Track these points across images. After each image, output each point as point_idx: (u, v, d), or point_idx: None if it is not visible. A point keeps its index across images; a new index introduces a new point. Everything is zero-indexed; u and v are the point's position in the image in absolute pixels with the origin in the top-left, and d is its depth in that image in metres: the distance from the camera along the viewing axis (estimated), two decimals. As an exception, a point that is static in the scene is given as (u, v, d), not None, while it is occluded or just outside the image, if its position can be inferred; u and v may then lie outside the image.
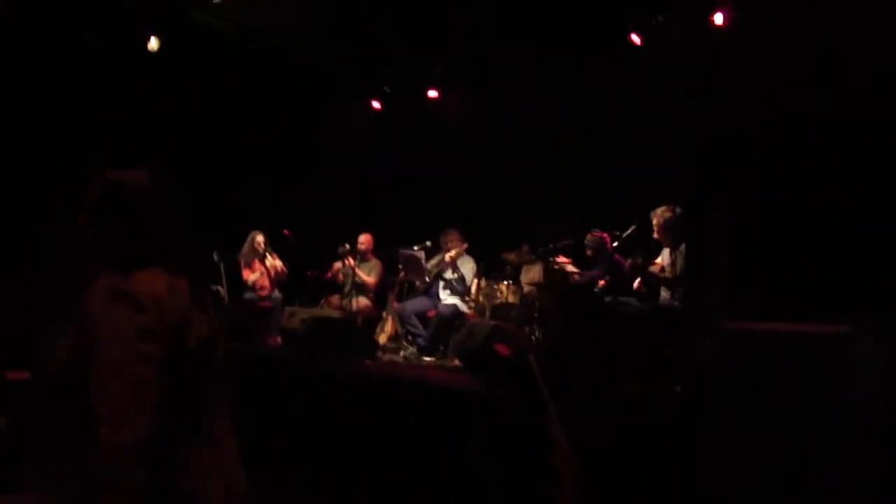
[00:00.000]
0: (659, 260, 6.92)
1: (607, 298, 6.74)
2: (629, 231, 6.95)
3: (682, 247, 6.50)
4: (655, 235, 6.77)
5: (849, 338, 3.79)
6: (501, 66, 9.15)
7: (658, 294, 6.68)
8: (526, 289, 8.44)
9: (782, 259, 6.13)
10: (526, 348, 5.06)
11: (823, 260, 5.84)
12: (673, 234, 6.64)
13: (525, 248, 8.45)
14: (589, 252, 7.61)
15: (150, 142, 8.28)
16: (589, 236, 7.53)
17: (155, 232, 2.22)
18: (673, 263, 6.54)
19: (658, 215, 6.72)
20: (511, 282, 8.57)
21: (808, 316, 4.13)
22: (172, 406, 2.01)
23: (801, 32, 6.23)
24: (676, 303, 6.28)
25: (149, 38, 8.91)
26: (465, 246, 8.85)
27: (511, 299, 8.48)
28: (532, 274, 8.50)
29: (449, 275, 8.83)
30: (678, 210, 6.57)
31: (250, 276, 9.38)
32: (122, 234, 2.19)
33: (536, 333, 7.24)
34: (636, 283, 6.82)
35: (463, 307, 8.59)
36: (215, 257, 9.24)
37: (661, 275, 6.64)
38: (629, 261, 6.83)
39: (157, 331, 2.03)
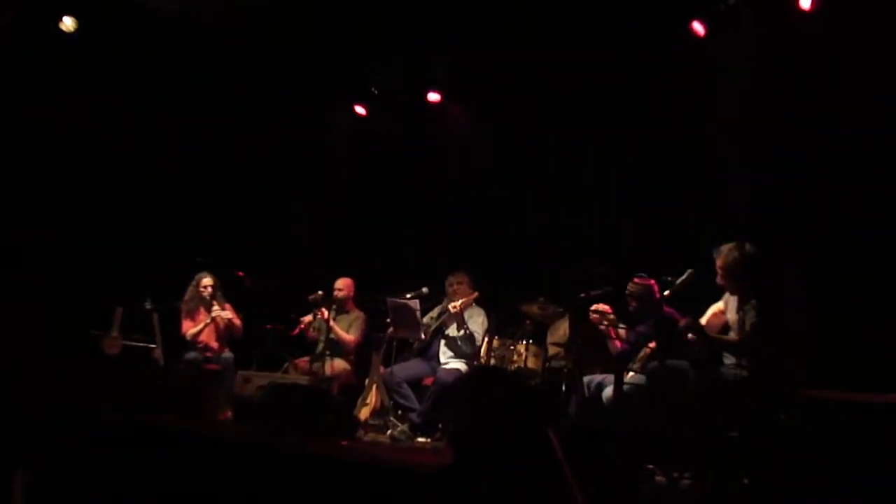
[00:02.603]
0: (720, 306, 6.91)
1: (652, 363, 6.73)
2: (684, 277, 6.86)
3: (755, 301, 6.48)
4: (719, 280, 6.75)
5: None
6: (524, 63, 9.23)
7: (719, 359, 6.64)
8: (552, 351, 8.42)
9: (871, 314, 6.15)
10: (546, 420, 5.05)
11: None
12: (742, 279, 6.61)
13: (542, 299, 8.47)
14: (632, 304, 7.54)
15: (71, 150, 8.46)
16: (632, 283, 7.46)
17: None
18: (741, 320, 6.53)
19: (724, 255, 6.69)
20: (532, 341, 8.56)
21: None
22: None
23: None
24: (742, 370, 6.26)
25: (61, 18, 9.06)
26: (475, 295, 8.86)
27: (532, 364, 8.47)
28: (560, 331, 8.47)
29: (453, 331, 8.84)
30: (749, 248, 6.56)
31: (191, 329, 9.43)
32: None
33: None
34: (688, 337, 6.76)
35: (469, 373, 8.60)
36: (147, 306, 9.27)
37: (726, 338, 6.60)
38: (685, 318, 6.77)
39: None
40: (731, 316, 6.68)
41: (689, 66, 8.15)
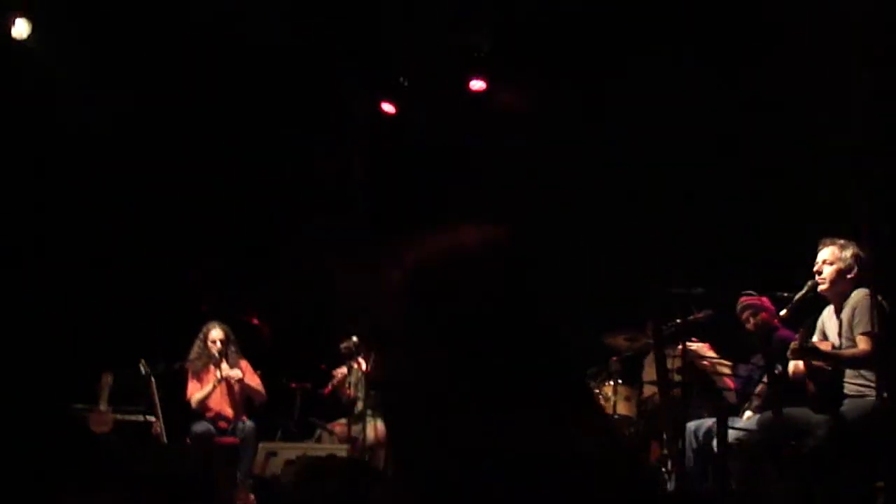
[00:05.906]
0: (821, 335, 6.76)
1: (765, 415, 6.58)
2: (805, 290, 6.77)
3: (858, 294, 6.30)
4: (821, 287, 6.58)
5: None
6: (589, 41, 9.19)
7: (839, 391, 6.44)
8: (647, 392, 8.44)
9: None
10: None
11: None
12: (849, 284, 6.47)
13: (649, 325, 8.43)
14: (749, 326, 7.41)
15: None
16: (741, 303, 7.35)
17: None
18: (845, 327, 6.39)
19: (830, 250, 6.57)
20: (621, 381, 8.61)
21: None
22: None
23: None
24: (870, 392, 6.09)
25: (13, 21, 9.02)
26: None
27: (623, 409, 8.53)
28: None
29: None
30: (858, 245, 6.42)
31: (197, 394, 9.34)
32: None
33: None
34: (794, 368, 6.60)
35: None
36: (143, 369, 9.13)
37: (845, 352, 6.37)
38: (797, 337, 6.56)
39: None
40: (832, 331, 6.52)
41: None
